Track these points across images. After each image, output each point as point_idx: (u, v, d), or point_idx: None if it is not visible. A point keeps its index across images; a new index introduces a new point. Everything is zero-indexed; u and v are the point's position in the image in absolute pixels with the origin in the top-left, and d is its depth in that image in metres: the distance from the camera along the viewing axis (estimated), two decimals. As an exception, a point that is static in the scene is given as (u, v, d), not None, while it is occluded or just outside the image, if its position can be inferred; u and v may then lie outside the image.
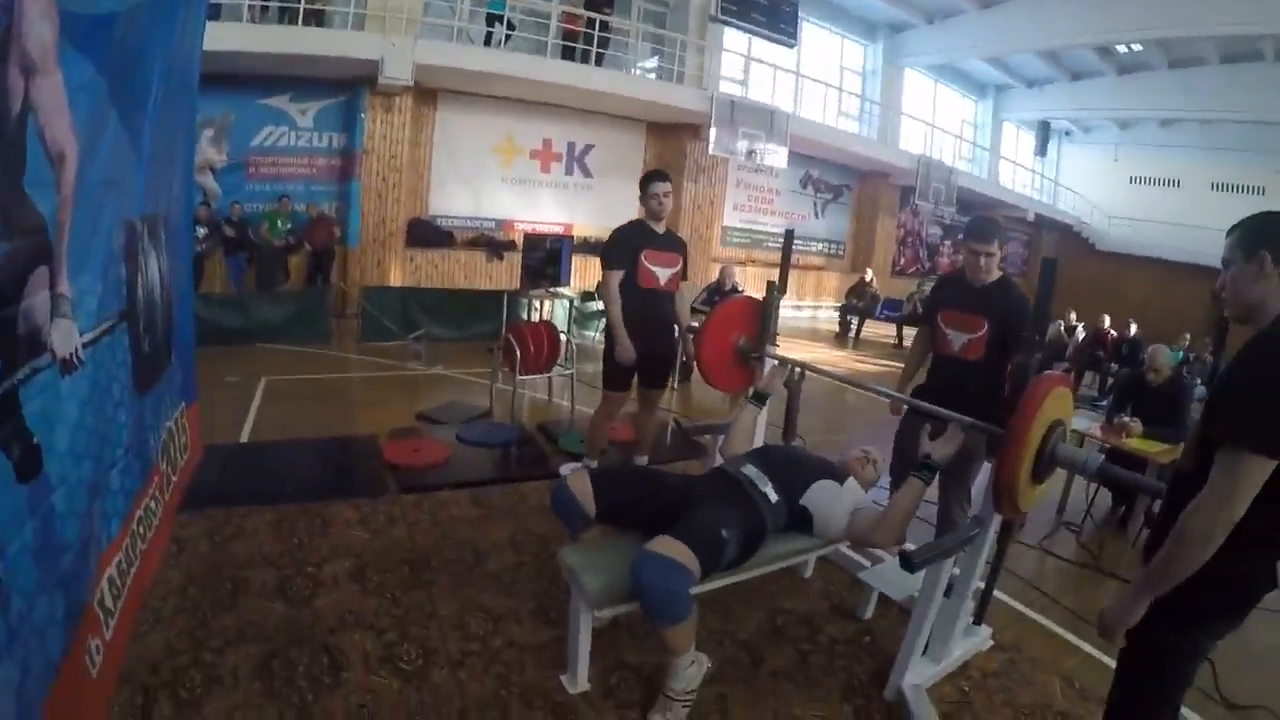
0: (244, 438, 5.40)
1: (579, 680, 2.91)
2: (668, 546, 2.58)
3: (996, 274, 3.82)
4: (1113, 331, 12.48)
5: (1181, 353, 11.14)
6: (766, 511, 3.02)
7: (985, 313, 3.74)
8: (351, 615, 3.22)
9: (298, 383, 7.02)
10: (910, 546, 3.02)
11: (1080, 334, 13.18)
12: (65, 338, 2.12)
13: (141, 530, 3.16)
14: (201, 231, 10.15)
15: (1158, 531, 2.07)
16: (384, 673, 2.90)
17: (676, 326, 4.93)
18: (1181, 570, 1.86)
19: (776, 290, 4.31)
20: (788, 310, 17.42)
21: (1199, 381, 10.43)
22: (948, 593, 3.13)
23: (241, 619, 3.12)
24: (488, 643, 3.14)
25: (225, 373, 6.85)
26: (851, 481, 3.27)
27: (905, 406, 4.01)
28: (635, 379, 4.82)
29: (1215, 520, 1.78)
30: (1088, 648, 3.84)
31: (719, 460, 4.06)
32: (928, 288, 15.19)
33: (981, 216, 4.23)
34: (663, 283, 4.68)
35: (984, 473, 3.20)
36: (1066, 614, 4.19)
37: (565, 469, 5.08)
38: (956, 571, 3.19)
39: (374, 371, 7.81)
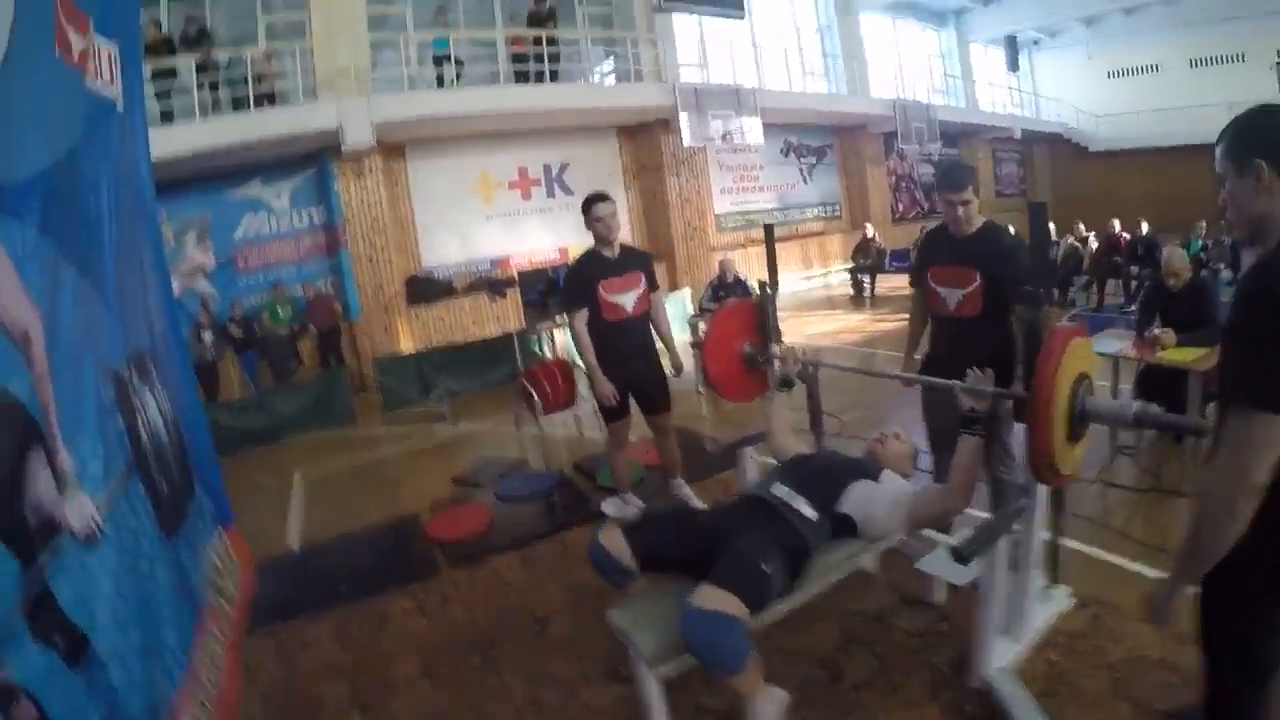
0: (290, 542, 5.37)
1: (660, 736, 2.85)
2: (711, 598, 2.50)
3: (979, 221, 3.69)
4: (1125, 234, 12.19)
5: (1198, 242, 10.85)
6: (806, 530, 2.92)
7: (974, 264, 3.62)
8: (430, 714, 3.20)
9: (332, 472, 7.00)
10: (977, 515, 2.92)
11: (1093, 244, 12.96)
12: (80, 512, 2.08)
13: (208, 675, 3.14)
14: (208, 337, 10.25)
15: None
16: (472, 767, 2.88)
17: (663, 341, 4.83)
18: (1213, 548, 1.67)
19: (769, 289, 4.20)
20: (798, 282, 17.40)
21: (1222, 266, 10.24)
22: (1013, 565, 3.06)
23: (324, 741, 3.10)
24: (565, 712, 3.12)
25: (261, 477, 6.86)
26: (888, 474, 3.16)
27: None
28: (635, 403, 4.72)
29: (1234, 490, 1.59)
30: None
31: (752, 468, 4.06)
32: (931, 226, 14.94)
33: (951, 164, 4.15)
34: (631, 309, 4.54)
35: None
36: (1140, 547, 4.08)
37: (606, 506, 5.03)
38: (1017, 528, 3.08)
39: (404, 443, 7.78)
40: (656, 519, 3.15)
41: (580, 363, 4.91)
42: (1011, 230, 12.30)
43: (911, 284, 4.16)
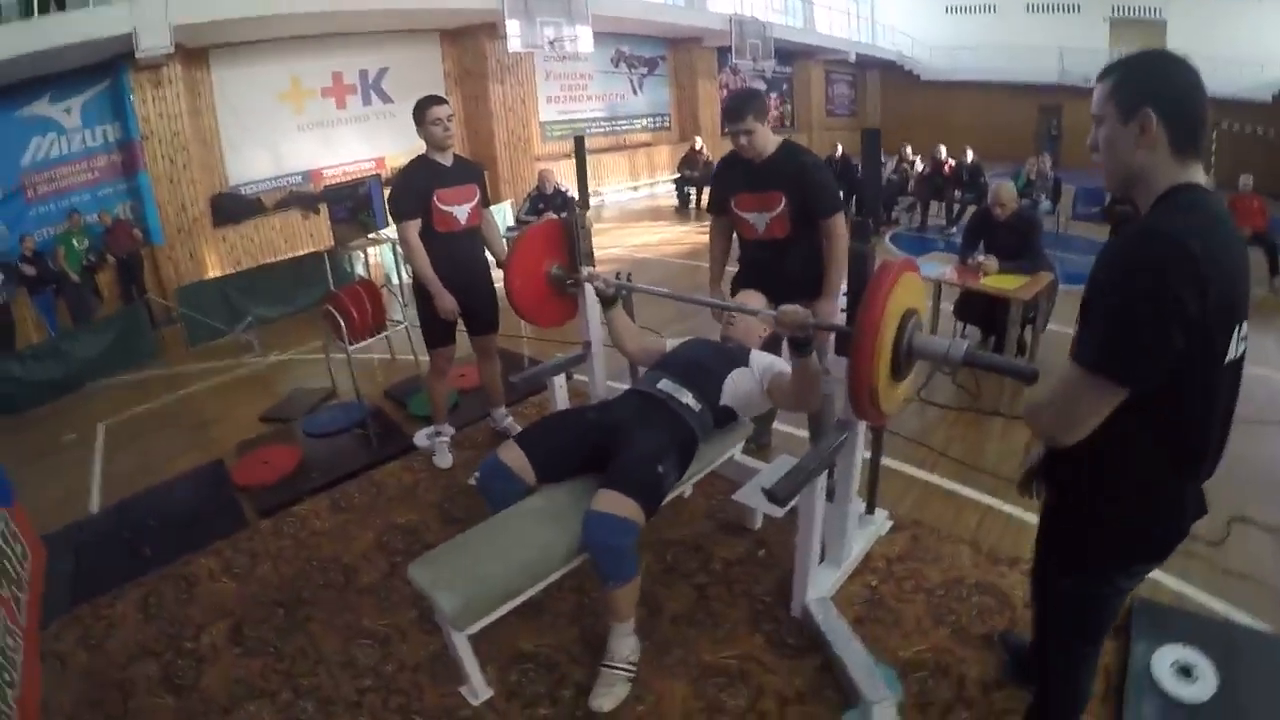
0: (93, 505, 4.84)
1: (478, 690, 2.77)
2: (612, 503, 2.61)
3: (774, 144, 3.70)
4: (950, 160, 12.60)
5: (1023, 176, 11.21)
6: (693, 421, 3.04)
7: (778, 186, 3.68)
8: (240, 686, 2.98)
9: (137, 418, 6.41)
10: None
11: (919, 166, 13.27)
12: None
13: (4, 672, 2.85)
14: (-2, 279, 9.17)
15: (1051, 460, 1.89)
16: (286, 740, 2.71)
17: (494, 260, 4.56)
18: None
19: (578, 207, 3.99)
20: (624, 193, 17.41)
21: (1043, 197, 10.73)
22: (830, 496, 3.06)
23: (138, 729, 2.84)
24: (379, 672, 2.97)
25: (61, 432, 6.22)
26: (755, 354, 3.28)
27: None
28: (461, 327, 4.48)
29: (1055, 427, 1.61)
30: (986, 499, 3.94)
31: (561, 395, 4.10)
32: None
33: (733, 93, 4.07)
34: (463, 222, 4.25)
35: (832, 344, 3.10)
36: (957, 466, 4.27)
37: (419, 438, 4.92)
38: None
39: (210, 379, 7.23)
40: (550, 428, 3.12)
41: (394, 283, 4.55)
42: (839, 149, 12.45)
43: (710, 211, 4.18)
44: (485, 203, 4.45)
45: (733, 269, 4.14)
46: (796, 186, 3.63)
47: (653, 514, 2.73)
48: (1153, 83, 1.56)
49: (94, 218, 10.42)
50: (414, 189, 4.14)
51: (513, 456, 2.88)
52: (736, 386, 3.14)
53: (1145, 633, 2.84)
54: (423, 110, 4.07)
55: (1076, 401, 1.55)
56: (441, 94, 4.22)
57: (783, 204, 3.67)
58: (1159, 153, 1.55)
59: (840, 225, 3.66)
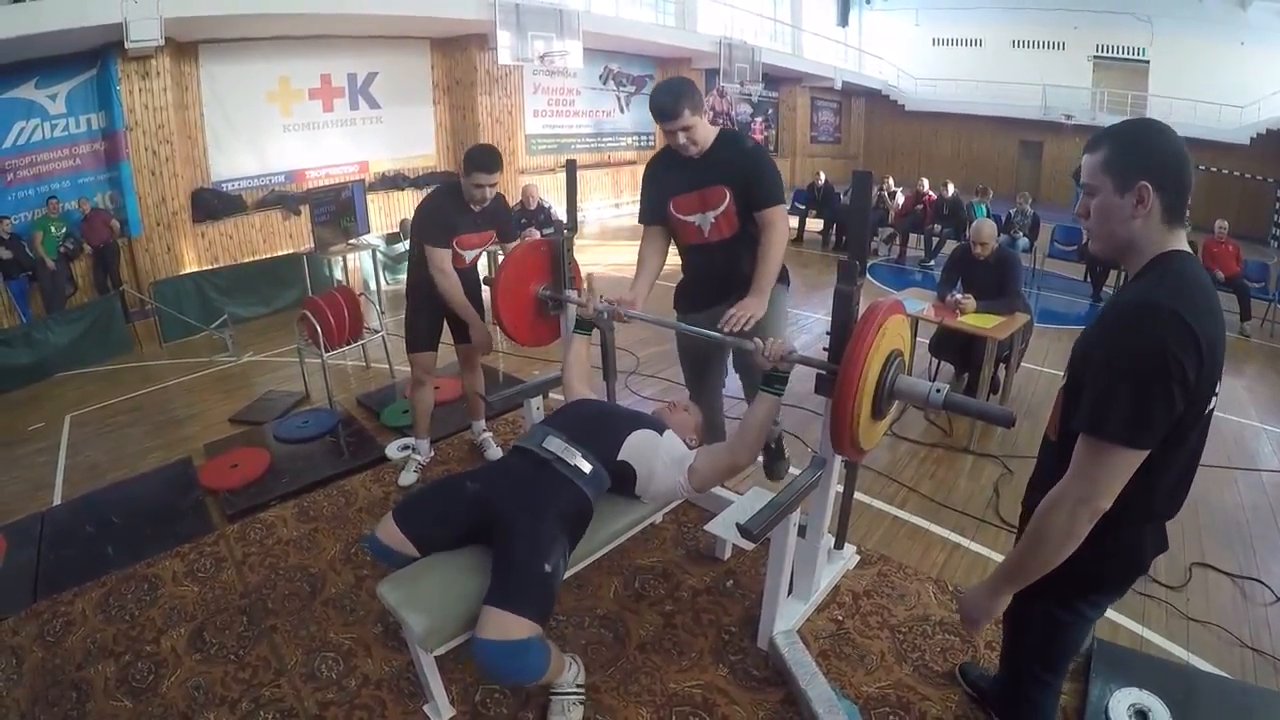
0: (56, 497, 4.77)
1: (442, 710, 2.75)
2: (500, 627, 2.32)
3: (713, 133, 3.28)
4: (930, 193, 12.63)
5: (981, 207, 11.25)
6: (584, 485, 2.74)
7: (721, 180, 3.26)
8: (200, 692, 2.93)
9: (104, 411, 6.31)
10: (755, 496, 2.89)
11: (900, 198, 13.36)
12: None
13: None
14: (-26, 263, 9.00)
15: (1031, 498, 1.97)
16: (245, 752, 2.68)
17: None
18: (1048, 564, 1.72)
19: (566, 229, 3.97)
20: (606, 210, 17.55)
21: (1022, 234, 10.85)
22: (802, 533, 3.07)
23: (94, 731, 2.79)
24: (343, 686, 2.94)
25: (27, 421, 6.13)
26: (670, 433, 2.97)
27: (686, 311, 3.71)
28: (447, 333, 4.48)
29: (1078, 517, 1.62)
30: (953, 536, 3.97)
31: (537, 418, 3.93)
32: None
33: (661, 86, 3.30)
34: (469, 261, 4.30)
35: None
36: (926, 502, 4.29)
37: (391, 450, 4.88)
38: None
39: (182, 375, 7.15)
40: (427, 505, 2.85)
41: (372, 290, 4.49)
42: (821, 177, 12.52)
43: (642, 221, 3.63)
44: (509, 238, 4.42)
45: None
46: (740, 176, 3.25)
47: (548, 616, 2.51)
48: (1148, 155, 1.59)
49: (73, 204, 10.27)
50: (443, 225, 4.07)
51: (389, 535, 2.69)
52: (641, 444, 2.87)
53: (1104, 675, 2.88)
54: (472, 169, 3.93)
55: (1111, 473, 1.58)
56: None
57: (728, 199, 3.28)
58: (1151, 222, 1.60)
59: (781, 217, 3.30)
